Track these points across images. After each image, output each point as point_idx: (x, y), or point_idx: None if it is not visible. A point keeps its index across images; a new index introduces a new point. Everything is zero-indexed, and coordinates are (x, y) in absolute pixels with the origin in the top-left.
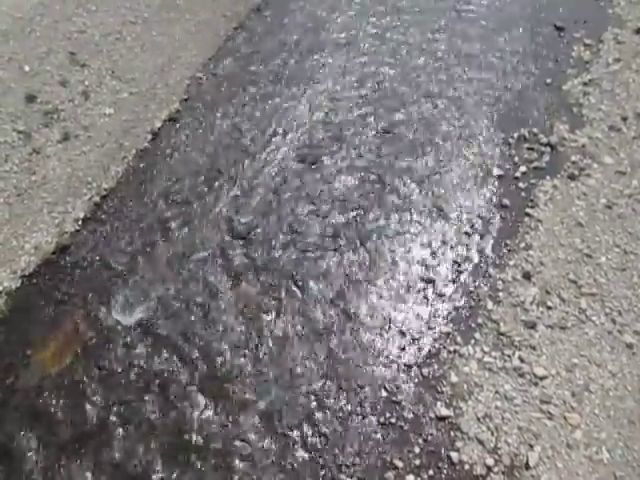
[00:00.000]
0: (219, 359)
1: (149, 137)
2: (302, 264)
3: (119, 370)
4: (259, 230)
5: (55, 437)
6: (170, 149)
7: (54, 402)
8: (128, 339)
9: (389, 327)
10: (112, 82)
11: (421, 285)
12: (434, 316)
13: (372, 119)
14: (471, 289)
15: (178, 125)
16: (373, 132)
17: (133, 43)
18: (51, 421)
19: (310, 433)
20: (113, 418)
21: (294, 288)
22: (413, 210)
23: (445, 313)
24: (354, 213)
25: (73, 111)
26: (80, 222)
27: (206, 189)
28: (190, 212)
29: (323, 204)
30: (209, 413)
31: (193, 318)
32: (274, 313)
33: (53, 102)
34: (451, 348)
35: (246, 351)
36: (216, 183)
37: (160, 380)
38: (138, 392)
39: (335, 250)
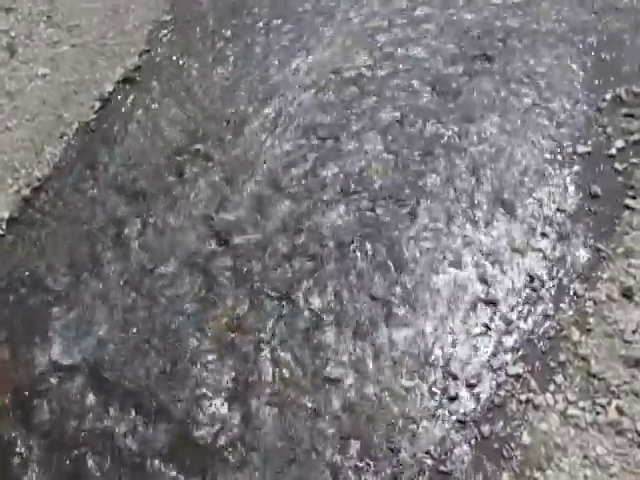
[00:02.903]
0: (194, 413)
1: (97, 106)
2: (304, 279)
3: (58, 425)
4: (247, 233)
5: None
6: (126, 122)
7: None
8: (69, 385)
9: (434, 367)
10: (48, 31)
11: (480, 308)
12: (498, 352)
13: (399, 81)
14: (549, 313)
15: (137, 88)
16: (405, 96)
17: None
18: None
19: None
20: None
21: (293, 310)
22: (467, 205)
23: (513, 347)
24: (381, 209)
25: None
26: (4, 225)
27: (176, 177)
28: (153, 209)
29: (336, 196)
30: None
31: (157, 357)
32: (266, 345)
33: None
34: (522, 397)
35: (232, 403)
36: (190, 168)
37: (112, 441)
38: (81, 454)
39: (353, 260)
